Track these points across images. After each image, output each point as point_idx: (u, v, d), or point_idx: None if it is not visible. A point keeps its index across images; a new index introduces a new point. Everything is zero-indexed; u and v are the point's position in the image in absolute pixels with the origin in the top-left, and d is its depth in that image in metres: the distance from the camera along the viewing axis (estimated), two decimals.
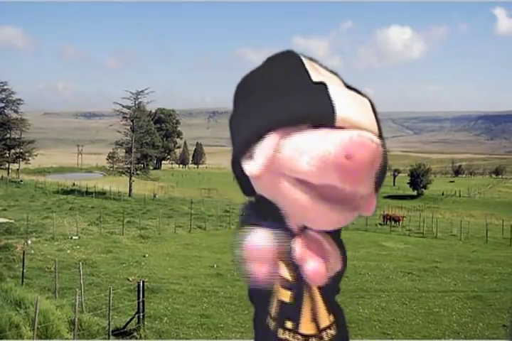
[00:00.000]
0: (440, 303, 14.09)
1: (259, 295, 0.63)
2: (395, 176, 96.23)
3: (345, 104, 0.55)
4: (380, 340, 10.82)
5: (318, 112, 0.54)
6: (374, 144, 0.50)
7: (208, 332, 11.36)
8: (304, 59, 0.60)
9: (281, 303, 0.61)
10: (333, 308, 0.63)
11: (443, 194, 77.20)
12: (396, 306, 13.67)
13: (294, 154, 0.53)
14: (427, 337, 11.42)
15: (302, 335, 0.61)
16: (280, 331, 0.61)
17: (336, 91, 0.55)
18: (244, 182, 0.60)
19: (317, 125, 0.54)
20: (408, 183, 77.71)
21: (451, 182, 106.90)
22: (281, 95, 0.56)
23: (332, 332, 0.62)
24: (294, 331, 0.61)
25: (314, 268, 0.54)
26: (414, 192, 76.37)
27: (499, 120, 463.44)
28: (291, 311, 0.61)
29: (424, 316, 12.89)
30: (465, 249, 25.72)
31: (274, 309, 0.62)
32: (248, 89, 0.59)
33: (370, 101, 0.59)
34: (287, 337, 0.61)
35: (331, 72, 0.61)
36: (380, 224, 36.96)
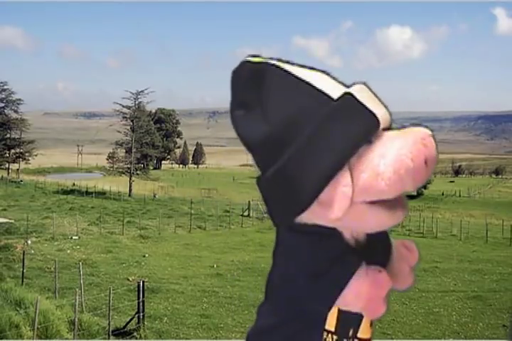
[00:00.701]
0: (440, 303, 14.09)
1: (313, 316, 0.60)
2: None
3: (372, 105, 0.53)
4: (380, 340, 10.82)
5: (368, 129, 0.51)
6: (433, 139, 0.50)
7: (208, 332, 11.36)
8: (289, 68, 0.55)
9: (346, 314, 0.59)
10: None
11: (443, 194, 77.20)
12: (396, 306, 13.65)
13: (369, 180, 0.51)
14: (427, 337, 11.42)
15: (360, 340, 0.62)
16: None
17: (359, 96, 0.53)
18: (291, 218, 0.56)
19: (369, 140, 0.52)
20: None
21: (451, 182, 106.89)
22: (327, 125, 0.52)
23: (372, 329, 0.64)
24: (353, 337, 0.61)
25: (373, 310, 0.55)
26: (414, 192, 76.31)
27: (499, 120, 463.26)
28: (354, 319, 0.61)
29: (424, 316, 12.89)
30: (465, 249, 25.72)
31: (334, 323, 0.60)
32: (292, 132, 0.53)
33: (364, 84, 0.56)
34: None
35: (309, 67, 0.57)
36: None
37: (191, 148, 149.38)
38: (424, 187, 75.92)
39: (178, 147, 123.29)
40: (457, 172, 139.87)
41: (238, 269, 17.81)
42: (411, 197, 76.07)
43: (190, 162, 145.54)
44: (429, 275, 17.94)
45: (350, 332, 0.61)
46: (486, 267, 19.74)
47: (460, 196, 76.46)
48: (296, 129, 0.53)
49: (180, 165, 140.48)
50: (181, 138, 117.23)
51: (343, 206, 0.52)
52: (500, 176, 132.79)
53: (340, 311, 0.59)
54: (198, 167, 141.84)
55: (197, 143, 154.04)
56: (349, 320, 0.60)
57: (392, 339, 11.03)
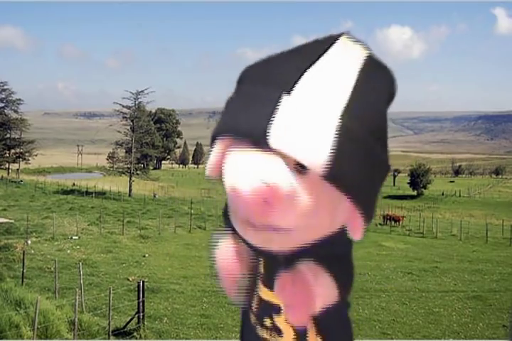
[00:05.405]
0: (440, 303, 14.09)
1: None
2: (395, 176, 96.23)
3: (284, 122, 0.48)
4: (380, 340, 10.81)
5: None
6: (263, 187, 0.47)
7: (208, 332, 11.36)
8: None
9: (262, 301, 0.60)
10: (324, 330, 0.59)
11: (443, 194, 77.10)
12: (396, 306, 13.66)
13: None
14: (427, 337, 11.42)
15: (278, 332, 0.60)
16: (258, 328, 0.61)
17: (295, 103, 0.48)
18: None
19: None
20: (408, 183, 77.61)
21: (451, 182, 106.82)
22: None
23: None
24: (272, 328, 0.60)
25: (294, 316, 0.52)
26: (414, 192, 76.25)
27: (499, 120, 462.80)
28: (271, 309, 0.59)
29: (424, 316, 12.89)
30: (465, 249, 25.71)
31: (255, 305, 0.61)
32: None
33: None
34: (264, 334, 0.61)
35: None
36: (380, 224, 36.93)
37: (191, 148, 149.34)
38: (424, 187, 75.92)
39: (178, 147, 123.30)
40: (457, 172, 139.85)
41: None
42: (411, 197, 76.09)
43: (190, 162, 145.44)
44: (429, 275, 17.95)
45: (268, 322, 0.61)
46: (486, 267, 19.73)
47: (460, 196, 76.37)
48: None
49: (180, 165, 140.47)
50: (181, 138, 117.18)
51: None
52: (500, 176, 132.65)
53: (258, 296, 0.62)
54: (198, 167, 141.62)
55: (197, 143, 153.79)
56: (265, 308, 0.62)
57: (392, 339, 11.03)
